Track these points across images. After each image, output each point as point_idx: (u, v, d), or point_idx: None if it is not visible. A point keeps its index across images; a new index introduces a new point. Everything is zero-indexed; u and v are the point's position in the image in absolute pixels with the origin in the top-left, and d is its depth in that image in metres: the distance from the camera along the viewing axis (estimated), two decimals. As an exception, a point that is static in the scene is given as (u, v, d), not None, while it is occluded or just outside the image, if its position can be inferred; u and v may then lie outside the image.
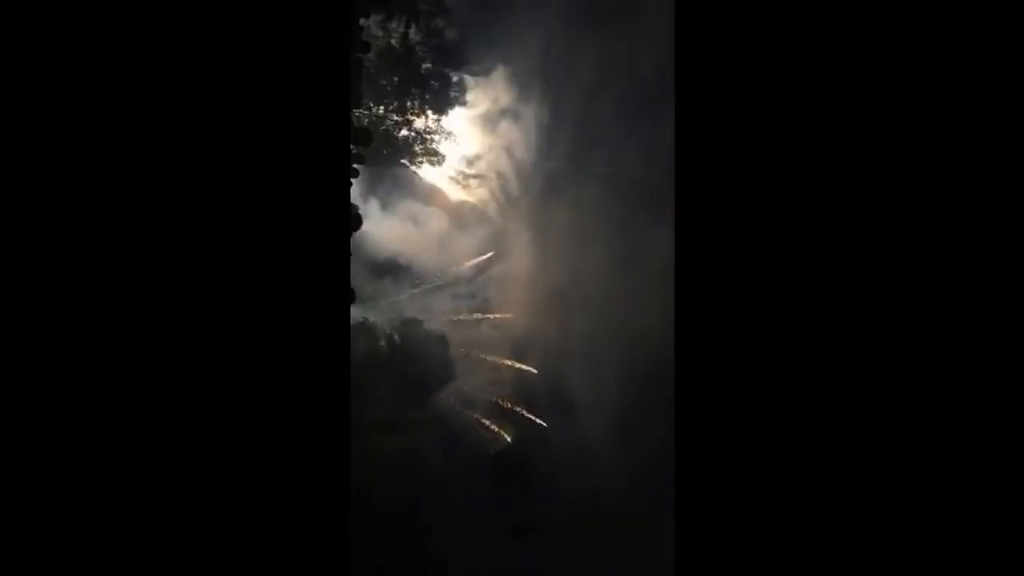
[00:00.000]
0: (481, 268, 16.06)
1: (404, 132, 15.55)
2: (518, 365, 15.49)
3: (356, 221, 12.74)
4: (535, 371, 15.43)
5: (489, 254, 16.04)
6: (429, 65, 15.56)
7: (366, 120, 14.74)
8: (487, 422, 15.27)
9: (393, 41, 15.11)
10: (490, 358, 15.48)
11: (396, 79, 15.34)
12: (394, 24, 15.06)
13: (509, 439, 15.22)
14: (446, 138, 15.95)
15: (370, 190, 15.01)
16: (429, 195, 16.04)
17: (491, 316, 15.82)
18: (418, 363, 14.79)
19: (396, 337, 14.62)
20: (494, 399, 15.38)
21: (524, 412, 15.27)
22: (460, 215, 16.09)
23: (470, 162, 16.22)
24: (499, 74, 15.72)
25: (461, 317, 15.77)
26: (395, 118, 15.42)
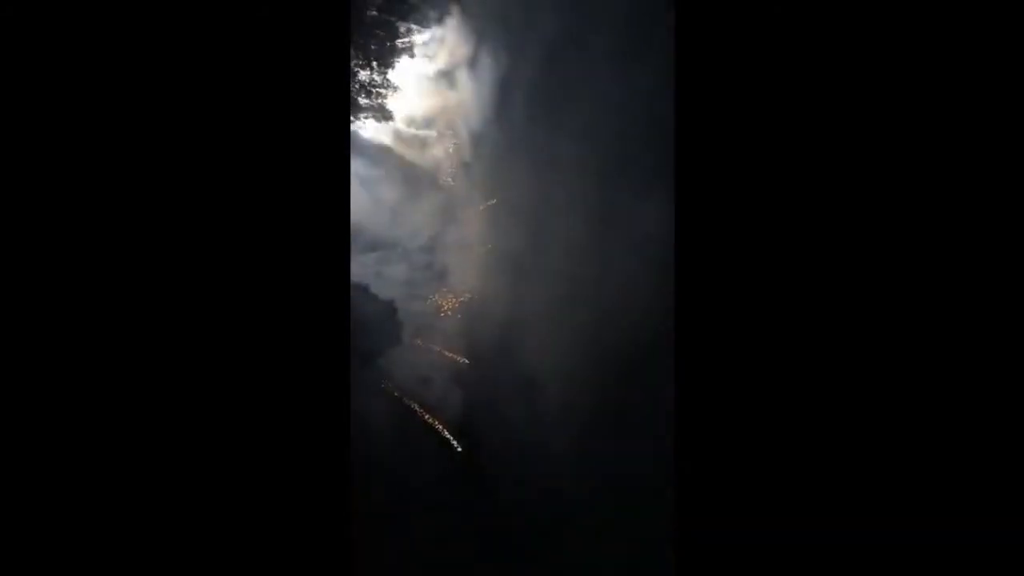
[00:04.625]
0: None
1: (345, 84, 14.13)
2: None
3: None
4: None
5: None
6: (374, 12, 14.18)
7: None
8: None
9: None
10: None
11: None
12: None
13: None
14: (393, 92, 14.68)
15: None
16: (375, 156, 14.82)
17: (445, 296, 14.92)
18: (364, 333, 13.78)
19: None
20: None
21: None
22: (411, 178, 14.93)
23: (421, 120, 15.03)
24: (452, 21, 14.44)
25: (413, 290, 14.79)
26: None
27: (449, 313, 15.02)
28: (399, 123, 15.04)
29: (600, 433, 13.19)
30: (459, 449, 14.42)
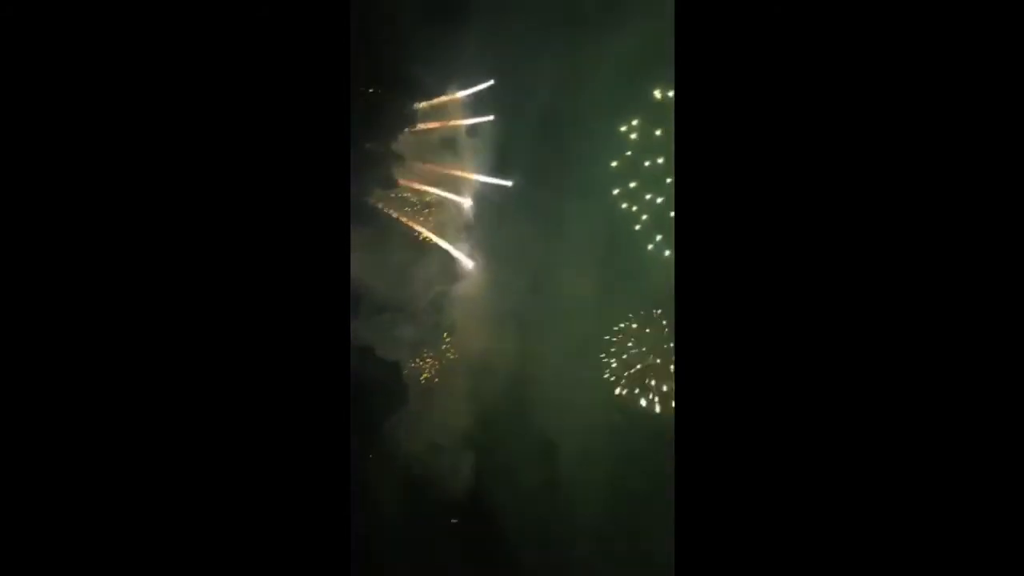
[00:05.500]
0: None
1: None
2: None
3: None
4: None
5: None
6: (377, 88, 14.73)
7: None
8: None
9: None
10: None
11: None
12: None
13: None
14: (397, 161, 15.10)
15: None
16: (382, 222, 15.15)
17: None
18: (369, 398, 13.82)
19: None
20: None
21: None
22: (414, 242, 15.21)
23: (425, 186, 15.41)
24: (452, 91, 14.97)
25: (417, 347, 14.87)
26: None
27: (455, 374, 15.06)
28: (404, 191, 15.40)
29: (614, 502, 13.08)
30: (454, 521, 14.36)
